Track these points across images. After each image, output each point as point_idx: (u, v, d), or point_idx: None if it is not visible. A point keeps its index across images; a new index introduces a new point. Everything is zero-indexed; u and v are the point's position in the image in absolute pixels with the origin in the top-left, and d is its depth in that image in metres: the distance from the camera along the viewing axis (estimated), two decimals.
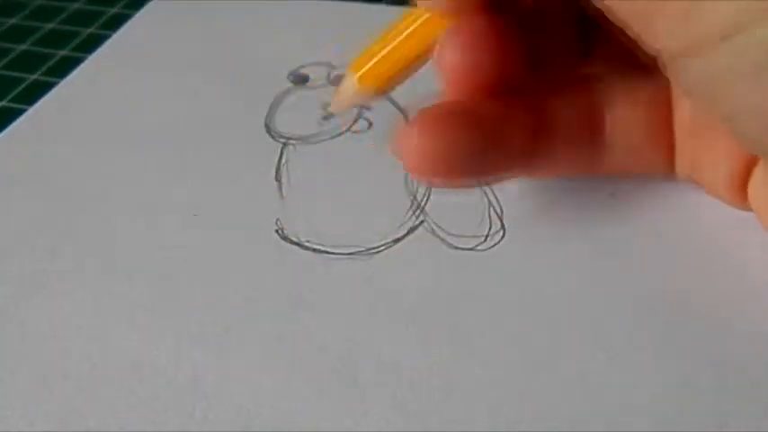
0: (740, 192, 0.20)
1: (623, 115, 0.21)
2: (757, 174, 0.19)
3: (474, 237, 0.22)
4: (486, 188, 0.23)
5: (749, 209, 0.20)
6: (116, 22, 0.32)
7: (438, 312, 0.20)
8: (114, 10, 0.34)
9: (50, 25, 0.33)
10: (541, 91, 0.20)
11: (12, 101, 0.28)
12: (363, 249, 0.21)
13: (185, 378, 0.19)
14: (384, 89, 0.21)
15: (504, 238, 0.21)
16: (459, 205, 0.22)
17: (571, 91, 0.21)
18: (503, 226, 0.22)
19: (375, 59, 0.20)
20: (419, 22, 0.19)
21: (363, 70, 0.20)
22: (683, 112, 0.20)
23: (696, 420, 0.17)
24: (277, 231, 0.22)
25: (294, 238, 0.22)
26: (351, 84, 0.21)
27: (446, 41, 0.19)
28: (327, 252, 0.21)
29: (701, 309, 0.19)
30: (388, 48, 0.20)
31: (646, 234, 0.21)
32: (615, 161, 0.21)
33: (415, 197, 0.23)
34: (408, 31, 0.20)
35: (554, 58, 0.21)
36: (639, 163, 0.21)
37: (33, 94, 0.28)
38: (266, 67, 0.28)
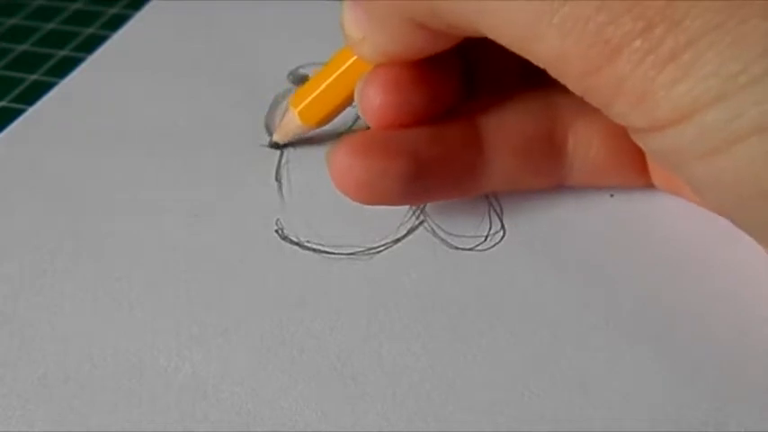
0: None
1: (583, 131, 0.21)
2: None
3: (474, 237, 0.22)
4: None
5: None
6: (116, 22, 0.32)
7: (438, 312, 0.20)
8: (114, 10, 0.34)
9: (50, 25, 0.33)
10: (486, 109, 0.20)
11: (12, 101, 0.28)
12: (363, 249, 0.21)
13: (185, 378, 0.19)
14: (322, 123, 0.23)
15: (504, 238, 0.21)
16: (459, 205, 0.22)
17: (516, 108, 0.20)
18: (503, 226, 0.22)
19: (312, 96, 0.22)
20: (350, 61, 0.21)
21: (302, 105, 0.23)
22: None
23: (696, 420, 0.17)
24: (277, 231, 0.22)
25: (294, 238, 0.22)
26: (292, 118, 0.23)
27: (365, 84, 0.19)
28: (327, 252, 0.21)
29: (701, 308, 0.19)
30: (324, 85, 0.22)
31: (646, 234, 0.21)
32: (582, 177, 0.21)
33: None
34: (341, 69, 0.21)
35: (495, 82, 0.21)
36: (609, 179, 0.22)
37: (33, 94, 0.28)
38: (266, 67, 0.28)
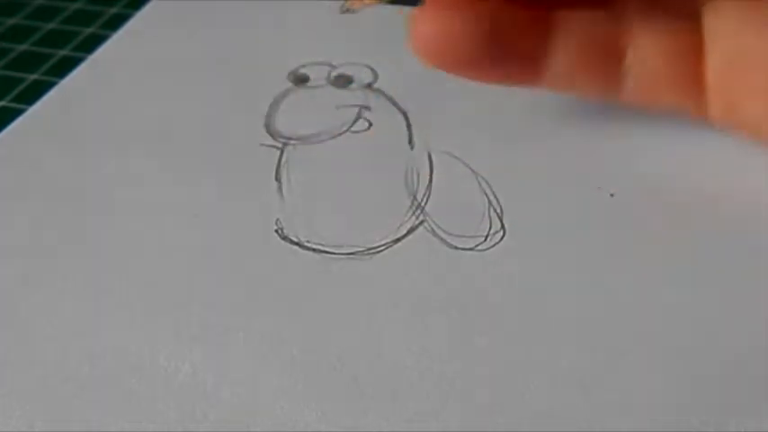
0: None
1: (646, 42, 0.20)
2: None
3: (474, 237, 0.22)
4: (486, 188, 0.23)
5: None
6: (116, 22, 0.32)
7: (438, 312, 0.20)
8: (114, 10, 0.33)
9: (50, 25, 0.33)
10: (558, 2, 0.20)
11: (12, 101, 0.28)
12: (363, 249, 0.21)
13: (185, 378, 0.19)
14: None
15: (504, 238, 0.21)
16: (459, 205, 0.22)
17: (591, 8, 0.21)
18: (503, 226, 0.22)
19: None
20: None
21: None
22: (717, 55, 0.20)
23: (696, 420, 0.17)
24: (277, 231, 0.22)
25: (294, 238, 0.22)
26: None
27: None
28: (327, 252, 0.21)
29: (702, 308, 0.19)
30: None
31: (646, 234, 0.21)
32: (637, 90, 0.21)
33: (415, 197, 0.23)
34: None
35: None
36: (663, 97, 0.21)
37: (33, 94, 0.28)
38: (266, 67, 0.28)
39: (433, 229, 0.22)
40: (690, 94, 0.21)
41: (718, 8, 0.20)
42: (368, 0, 0.22)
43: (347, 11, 0.23)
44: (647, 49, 0.21)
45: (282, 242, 0.22)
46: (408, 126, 0.25)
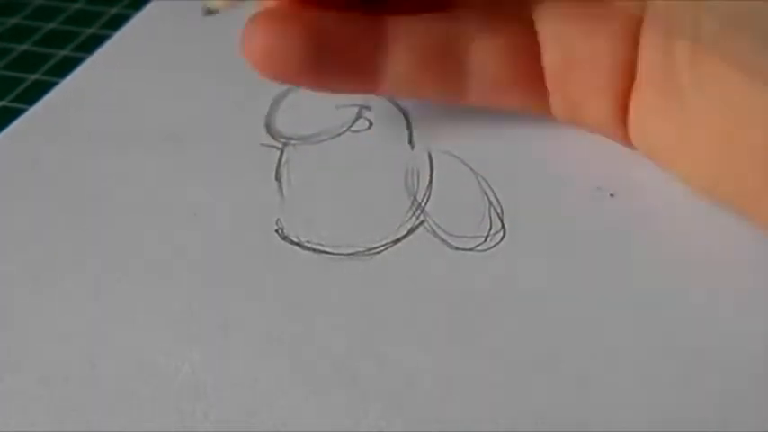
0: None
1: (485, 45, 0.21)
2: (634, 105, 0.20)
3: (474, 237, 0.22)
4: (487, 188, 0.23)
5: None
6: (116, 22, 0.32)
7: (438, 312, 0.20)
8: (114, 10, 0.33)
9: (50, 25, 0.33)
10: (389, 9, 0.21)
11: (12, 101, 0.28)
12: (363, 249, 0.21)
13: (185, 378, 0.19)
14: None
15: (504, 239, 0.21)
16: (459, 205, 0.22)
17: (427, 12, 0.21)
18: (503, 226, 0.22)
19: None
20: None
21: None
22: (552, 58, 0.21)
23: (696, 420, 0.17)
24: (277, 231, 0.22)
25: (294, 238, 0.22)
26: None
27: None
28: (327, 252, 0.21)
29: (702, 308, 0.19)
30: None
31: (646, 233, 0.21)
32: (480, 91, 0.22)
33: (415, 197, 0.23)
34: None
35: None
36: (506, 98, 0.22)
37: (33, 94, 0.28)
38: None
39: (433, 229, 0.22)
40: (532, 95, 0.22)
41: (548, 14, 0.21)
42: (228, 0, 0.23)
43: (209, 12, 0.23)
44: (486, 52, 0.21)
45: (282, 242, 0.22)
46: (408, 126, 0.25)
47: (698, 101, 0.19)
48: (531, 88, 0.22)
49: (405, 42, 0.21)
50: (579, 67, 0.21)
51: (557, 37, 0.21)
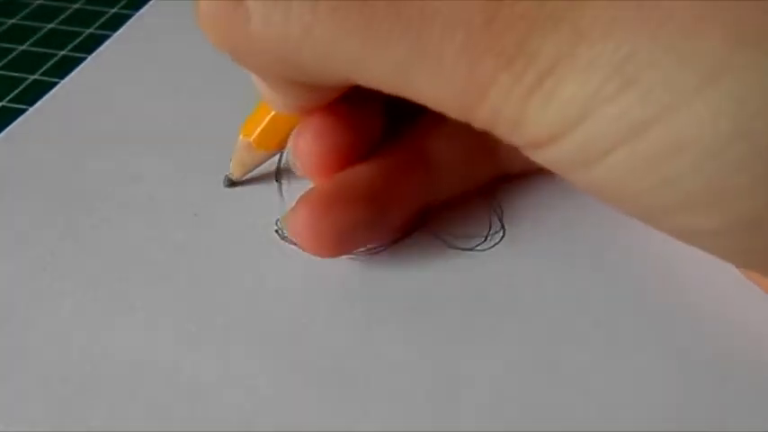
0: None
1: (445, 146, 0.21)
2: None
3: (474, 237, 0.22)
4: (487, 188, 0.23)
5: None
6: (116, 22, 0.32)
7: (438, 312, 0.20)
8: (114, 10, 0.34)
9: (50, 25, 0.33)
10: (428, 130, 0.21)
11: (12, 101, 0.28)
12: (363, 249, 0.21)
13: (185, 378, 0.19)
14: (280, 147, 0.23)
15: (504, 238, 0.21)
16: (459, 205, 0.22)
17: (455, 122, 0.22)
18: (503, 226, 0.22)
19: (263, 125, 0.22)
20: None
21: (255, 135, 0.22)
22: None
23: (696, 420, 0.17)
24: (277, 231, 0.22)
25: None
26: (247, 146, 0.23)
27: (296, 136, 0.20)
28: None
29: (702, 308, 0.19)
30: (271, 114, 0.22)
31: (645, 234, 0.21)
32: (519, 164, 0.22)
33: None
34: None
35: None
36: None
37: (33, 94, 0.28)
38: None
39: (433, 229, 0.22)
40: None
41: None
42: (247, 167, 0.23)
43: (232, 184, 0.24)
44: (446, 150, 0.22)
45: (282, 242, 0.22)
46: None
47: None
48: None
49: (448, 158, 0.21)
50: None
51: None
